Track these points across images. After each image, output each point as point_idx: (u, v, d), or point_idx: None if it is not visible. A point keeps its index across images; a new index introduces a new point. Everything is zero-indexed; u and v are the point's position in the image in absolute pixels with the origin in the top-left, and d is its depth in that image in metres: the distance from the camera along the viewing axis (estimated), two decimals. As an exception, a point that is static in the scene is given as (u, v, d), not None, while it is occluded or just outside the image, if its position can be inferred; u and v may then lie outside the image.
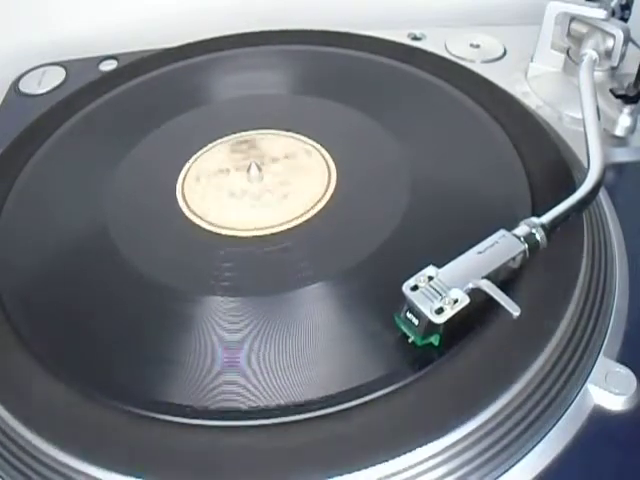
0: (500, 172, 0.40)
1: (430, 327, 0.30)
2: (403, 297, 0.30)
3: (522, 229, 0.33)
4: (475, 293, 0.30)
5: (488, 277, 0.31)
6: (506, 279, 0.32)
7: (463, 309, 0.30)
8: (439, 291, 0.30)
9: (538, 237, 0.32)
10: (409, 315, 0.30)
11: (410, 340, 0.31)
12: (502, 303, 0.30)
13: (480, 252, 0.32)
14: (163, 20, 0.61)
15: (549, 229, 0.33)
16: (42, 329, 0.34)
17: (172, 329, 0.34)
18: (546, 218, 0.33)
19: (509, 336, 0.31)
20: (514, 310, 0.29)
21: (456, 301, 0.30)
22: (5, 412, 0.31)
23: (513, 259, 0.32)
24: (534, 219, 0.33)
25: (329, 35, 0.53)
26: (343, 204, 0.39)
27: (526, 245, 0.32)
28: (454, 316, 0.30)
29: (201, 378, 0.31)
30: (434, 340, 0.30)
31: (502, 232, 0.33)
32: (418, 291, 0.30)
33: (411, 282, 0.31)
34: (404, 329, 0.31)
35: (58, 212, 0.41)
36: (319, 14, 0.61)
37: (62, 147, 0.45)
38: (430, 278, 0.31)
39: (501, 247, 0.32)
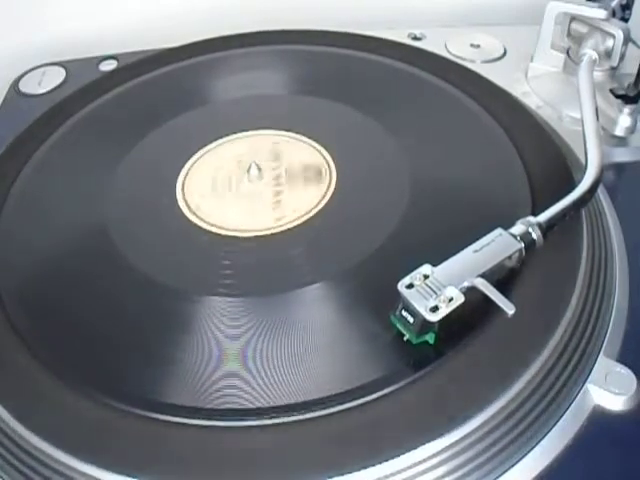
0: (500, 172, 0.40)
1: (425, 325, 0.30)
2: (398, 295, 0.30)
3: (518, 228, 0.33)
4: (471, 292, 0.30)
5: (483, 275, 0.31)
6: (505, 278, 0.32)
7: (459, 307, 0.30)
8: (434, 289, 0.30)
9: (534, 236, 0.32)
10: (404, 313, 0.30)
11: (405, 338, 0.31)
12: (497, 302, 0.30)
13: (476, 251, 0.32)
14: (163, 20, 0.61)
15: (545, 228, 0.33)
16: (42, 329, 0.34)
17: (172, 329, 0.34)
18: (542, 217, 0.33)
19: (509, 336, 0.31)
20: (509, 309, 0.29)
21: (451, 299, 0.30)
22: (5, 412, 0.31)
23: (509, 258, 0.32)
24: (530, 218, 0.33)
25: (329, 35, 0.53)
26: (343, 204, 0.39)
27: (522, 244, 0.32)
28: (450, 314, 0.29)
29: (201, 378, 0.31)
30: (429, 338, 0.30)
31: (499, 231, 0.33)
32: (413, 289, 0.30)
33: (406, 280, 0.31)
34: (399, 327, 0.31)
35: (58, 212, 0.41)
36: (319, 14, 0.61)
37: (62, 147, 0.45)
38: (426, 276, 0.31)
39: (497, 246, 0.32)
